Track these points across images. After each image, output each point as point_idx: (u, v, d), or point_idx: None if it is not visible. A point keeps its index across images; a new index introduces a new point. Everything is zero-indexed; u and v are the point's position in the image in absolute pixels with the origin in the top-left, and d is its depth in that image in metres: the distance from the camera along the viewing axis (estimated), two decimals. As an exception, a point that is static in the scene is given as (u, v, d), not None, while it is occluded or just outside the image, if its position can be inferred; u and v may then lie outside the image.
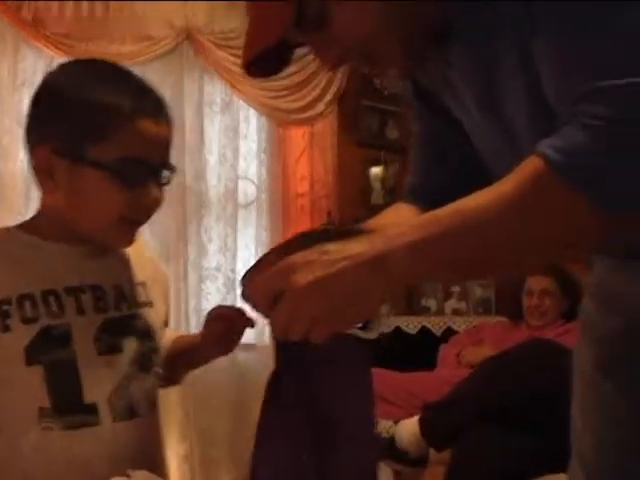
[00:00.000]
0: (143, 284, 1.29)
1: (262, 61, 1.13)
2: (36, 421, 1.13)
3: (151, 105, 1.17)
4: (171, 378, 1.39)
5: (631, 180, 0.83)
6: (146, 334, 1.25)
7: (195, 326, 4.10)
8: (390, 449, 2.80)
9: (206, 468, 4.08)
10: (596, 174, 0.84)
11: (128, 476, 1.13)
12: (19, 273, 1.16)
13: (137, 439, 1.21)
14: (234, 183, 4.45)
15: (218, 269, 4.38)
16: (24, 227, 1.23)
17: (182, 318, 4.09)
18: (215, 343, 1.31)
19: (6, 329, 1.12)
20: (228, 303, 4.32)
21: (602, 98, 0.82)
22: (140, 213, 1.19)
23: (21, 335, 1.12)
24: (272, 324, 0.94)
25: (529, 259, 0.96)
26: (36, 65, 4.08)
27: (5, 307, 1.12)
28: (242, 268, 4.29)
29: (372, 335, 0.99)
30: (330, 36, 1.08)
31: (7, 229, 1.22)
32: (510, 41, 0.99)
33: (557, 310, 3.62)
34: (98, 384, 1.16)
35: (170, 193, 4.49)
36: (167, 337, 1.36)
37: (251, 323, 1.25)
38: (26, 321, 1.13)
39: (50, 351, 1.14)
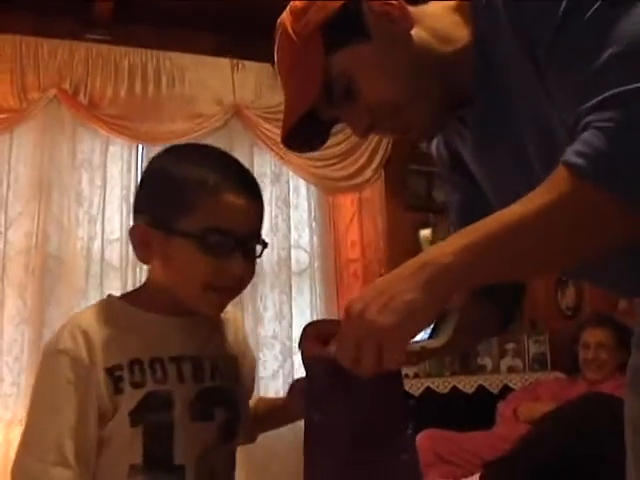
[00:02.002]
0: (235, 359, 1.37)
1: (298, 135, 1.21)
2: (125, 477, 1.21)
3: (233, 180, 1.24)
4: (249, 436, 1.45)
5: None
6: (233, 405, 1.32)
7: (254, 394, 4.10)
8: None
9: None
10: (614, 170, 0.91)
11: None
12: (128, 341, 1.24)
13: None
14: (287, 252, 4.54)
15: (274, 337, 4.42)
16: (127, 298, 1.32)
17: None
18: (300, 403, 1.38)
19: (119, 391, 1.20)
20: (285, 371, 4.37)
21: (607, 105, 0.91)
22: (224, 281, 1.24)
23: (130, 398, 1.21)
24: (342, 359, 1.01)
25: (563, 259, 1.02)
26: (93, 146, 4.26)
27: (118, 372, 1.21)
28: (298, 335, 4.28)
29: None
30: (360, 106, 1.16)
31: (111, 300, 1.31)
32: (526, 97, 1.07)
33: (614, 362, 3.59)
34: (188, 447, 1.23)
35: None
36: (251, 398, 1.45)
37: None
38: (135, 385, 1.21)
39: (152, 414, 1.22)
